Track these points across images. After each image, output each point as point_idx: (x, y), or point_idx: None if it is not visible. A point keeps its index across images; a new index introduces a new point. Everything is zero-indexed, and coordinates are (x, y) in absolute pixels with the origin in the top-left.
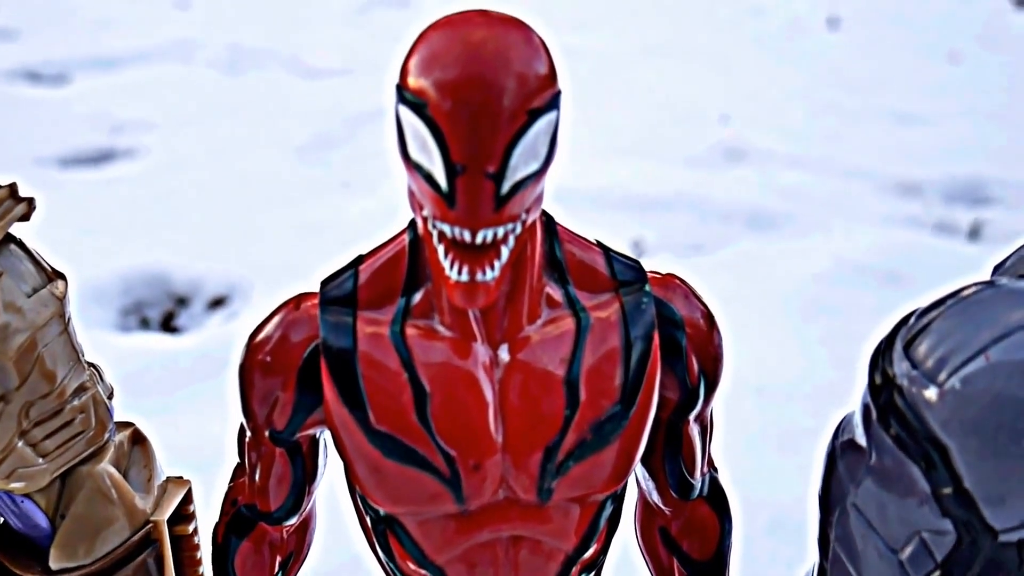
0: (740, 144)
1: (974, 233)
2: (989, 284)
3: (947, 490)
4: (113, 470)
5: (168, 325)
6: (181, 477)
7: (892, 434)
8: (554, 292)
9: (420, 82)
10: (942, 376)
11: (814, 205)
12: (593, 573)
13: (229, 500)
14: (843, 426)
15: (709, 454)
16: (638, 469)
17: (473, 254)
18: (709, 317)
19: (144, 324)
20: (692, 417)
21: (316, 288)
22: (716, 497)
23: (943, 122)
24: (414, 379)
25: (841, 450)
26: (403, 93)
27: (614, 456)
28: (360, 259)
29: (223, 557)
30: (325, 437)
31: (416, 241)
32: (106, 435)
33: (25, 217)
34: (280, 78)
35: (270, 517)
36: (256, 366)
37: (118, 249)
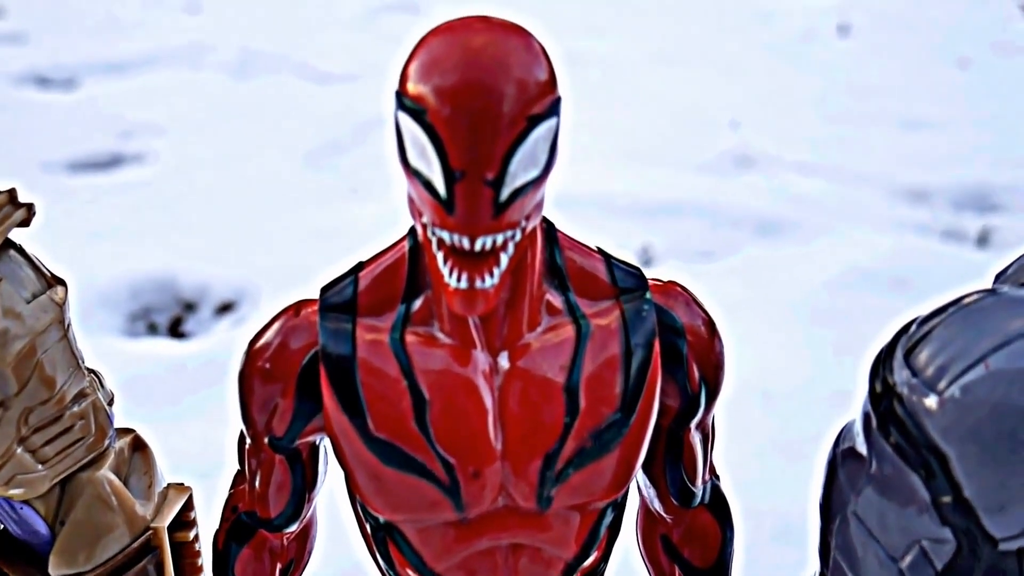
0: (749, 151)
1: (983, 240)
2: (990, 292)
3: (947, 499)
4: (113, 477)
5: (176, 330)
6: (182, 484)
7: (892, 442)
8: (554, 299)
9: (419, 88)
10: (942, 384)
11: (823, 212)
12: None
13: (229, 507)
14: (844, 434)
15: (710, 461)
16: (639, 476)
17: (472, 261)
18: (710, 324)
19: (152, 329)
20: (693, 425)
21: (319, 290)
22: (717, 504)
23: (952, 129)
24: (413, 386)
25: (842, 458)
26: (402, 99)
27: (614, 464)
28: (360, 266)
29: (223, 564)
30: (325, 444)
31: (416, 248)
32: (106, 441)
33: (25, 223)
34: (289, 83)
35: (270, 524)
36: (255, 373)
37: (126, 254)
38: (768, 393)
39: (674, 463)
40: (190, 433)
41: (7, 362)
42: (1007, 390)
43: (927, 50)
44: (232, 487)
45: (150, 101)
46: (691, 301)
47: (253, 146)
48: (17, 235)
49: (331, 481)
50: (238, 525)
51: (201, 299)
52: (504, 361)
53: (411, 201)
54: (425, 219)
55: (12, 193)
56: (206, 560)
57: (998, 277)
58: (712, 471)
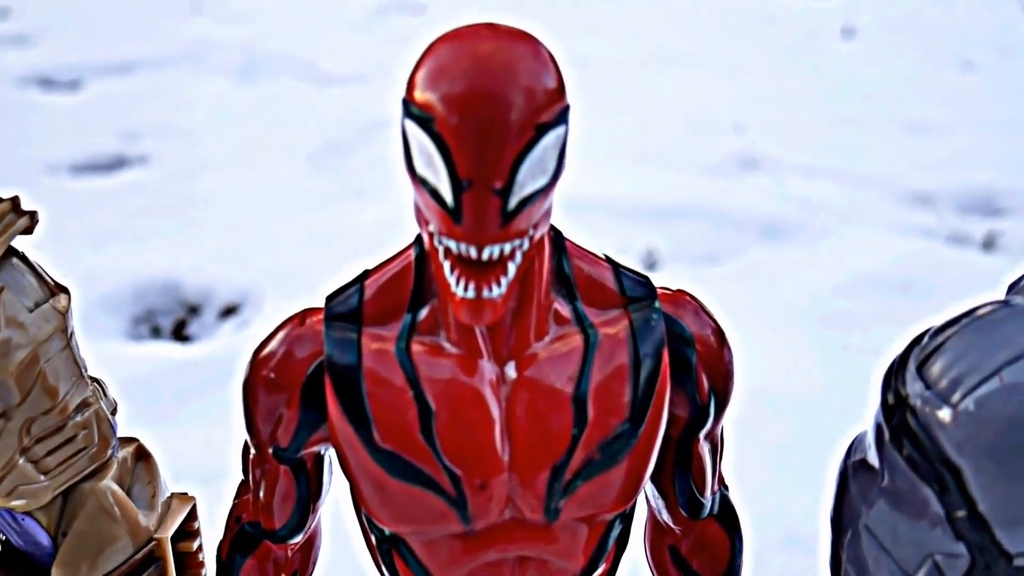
0: (754, 153)
1: (988, 244)
2: (1004, 304)
3: (961, 513)
4: (116, 487)
5: (179, 334)
6: (185, 493)
7: (905, 455)
8: (562, 308)
9: (427, 96)
10: (956, 397)
11: (828, 215)
12: None
13: (233, 517)
14: (855, 445)
15: (719, 472)
16: (647, 487)
17: (479, 270)
18: (719, 333)
19: (155, 333)
20: (702, 435)
21: (324, 299)
22: (726, 515)
23: (957, 132)
24: (419, 396)
25: (853, 470)
26: (409, 107)
27: (623, 475)
28: (366, 274)
29: (227, 575)
30: (330, 454)
31: (422, 256)
32: (109, 451)
33: (28, 231)
34: (293, 85)
35: (274, 535)
36: (260, 382)
37: (129, 256)
38: (774, 398)
39: (683, 474)
40: (193, 437)
41: (9, 372)
42: (1022, 403)
43: (931, 53)
44: (236, 497)
45: (154, 103)
46: (700, 310)
47: (257, 148)
48: (20, 240)
49: (336, 492)
50: (242, 536)
51: (205, 302)
52: (511, 371)
53: (418, 209)
54: (432, 228)
55: (15, 201)
56: (210, 571)
57: (1011, 288)
58: (721, 481)
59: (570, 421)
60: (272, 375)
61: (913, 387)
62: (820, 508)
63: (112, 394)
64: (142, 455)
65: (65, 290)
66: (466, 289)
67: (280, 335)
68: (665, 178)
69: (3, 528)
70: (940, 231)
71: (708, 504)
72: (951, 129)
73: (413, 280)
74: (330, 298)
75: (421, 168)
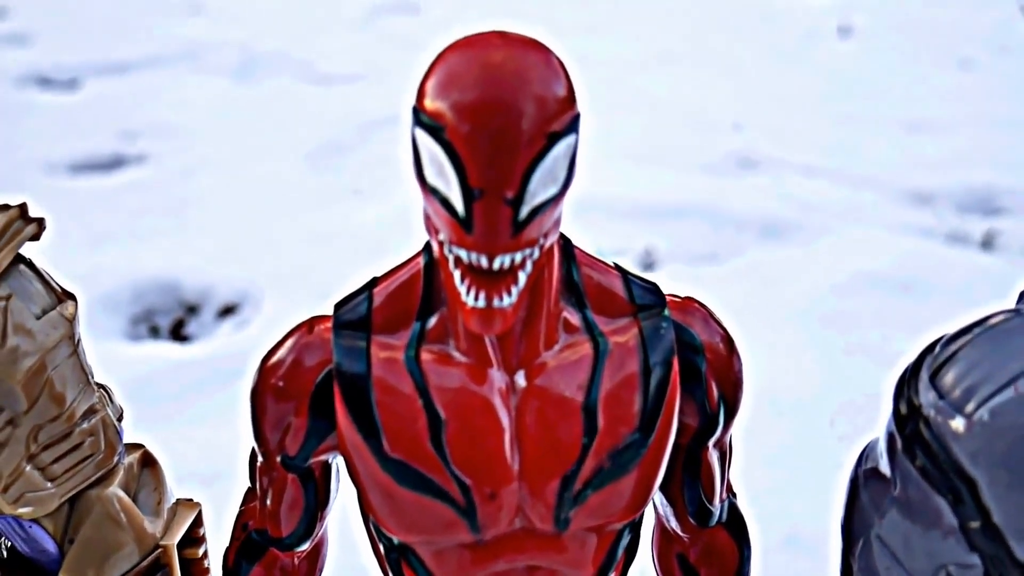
0: (753, 153)
1: (987, 243)
2: (1016, 313)
3: (975, 524)
4: (122, 494)
5: (178, 333)
6: (191, 500)
7: (918, 465)
8: (571, 317)
9: (437, 104)
10: (970, 407)
11: (826, 214)
12: None
13: (240, 524)
14: (867, 454)
15: (728, 479)
16: (656, 495)
17: (490, 280)
18: (729, 341)
19: (154, 332)
20: (711, 443)
21: (327, 298)
22: (735, 523)
23: (955, 131)
24: (429, 405)
25: (865, 479)
26: (420, 116)
27: (632, 484)
28: (374, 282)
29: None
30: (338, 462)
31: (431, 264)
32: (115, 458)
33: (35, 237)
34: (291, 84)
35: (281, 543)
36: (269, 391)
37: (128, 256)
38: (775, 398)
39: (692, 482)
40: (192, 437)
41: (17, 379)
42: None
43: (929, 51)
44: (243, 504)
45: (152, 102)
46: (709, 317)
47: (255, 147)
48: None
49: (343, 499)
50: (249, 543)
51: (203, 302)
52: (521, 380)
53: (427, 218)
54: (442, 236)
55: (23, 208)
56: None
57: (1022, 296)
58: (729, 489)
59: (580, 430)
60: (281, 383)
61: (926, 396)
62: (821, 508)
63: (118, 400)
64: (148, 461)
65: (72, 296)
66: (476, 298)
67: (288, 343)
68: (664, 177)
69: (9, 535)
70: (939, 230)
71: (717, 512)
72: (950, 128)
73: (422, 288)
74: (338, 306)
75: (431, 177)
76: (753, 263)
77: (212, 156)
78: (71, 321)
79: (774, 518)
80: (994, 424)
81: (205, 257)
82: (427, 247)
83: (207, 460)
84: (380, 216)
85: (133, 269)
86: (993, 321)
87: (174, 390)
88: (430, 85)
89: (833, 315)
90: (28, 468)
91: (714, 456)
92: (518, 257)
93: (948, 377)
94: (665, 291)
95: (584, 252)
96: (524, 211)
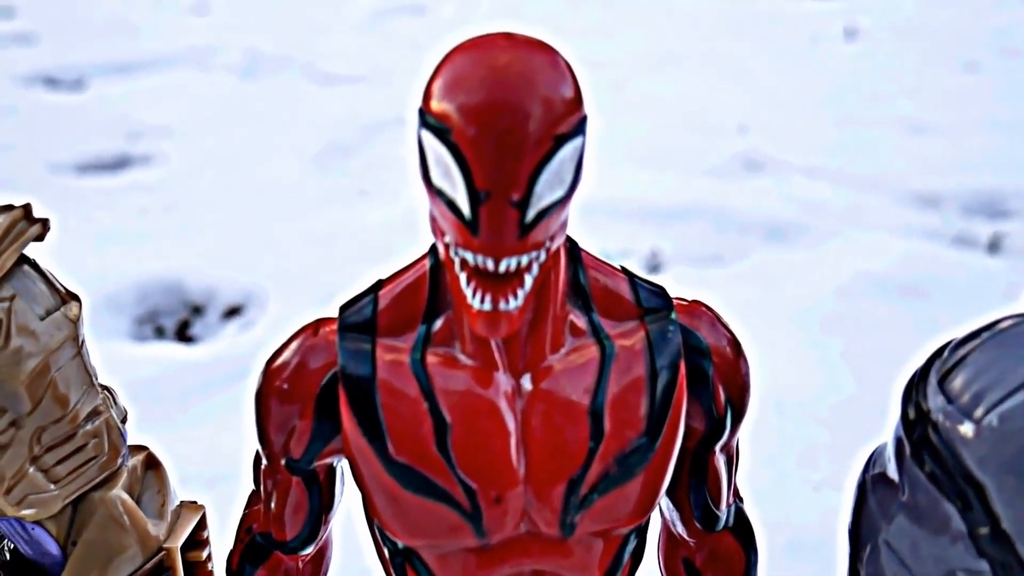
0: (758, 155)
1: (994, 246)
2: None
3: (984, 530)
4: (126, 496)
5: (183, 334)
6: (195, 502)
7: (927, 471)
8: (578, 320)
9: (443, 106)
10: (979, 412)
11: (832, 216)
12: None
13: (244, 527)
14: (874, 458)
15: (735, 484)
16: (662, 500)
17: (496, 283)
18: (736, 345)
19: (159, 333)
20: (718, 447)
21: (332, 299)
22: (741, 528)
23: (961, 133)
24: (434, 409)
25: (872, 483)
26: (426, 117)
27: (639, 489)
28: (379, 284)
29: None
30: (342, 465)
31: (437, 267)
32: (119, 460)
33: (39, 238)
34: (297, 84)
35: (285, 546)
36: (273, 393)
37: (133, 256)
38: (779, 400)
39: (698, 486)
40: (196, 439)
41: (21, 380)
42: None
43: (934, 54)
44: (247, 507)
45: (158, 102)
46: (716, 321)
47: (261, 148)
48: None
49: (347, 502)
50: (253, 546)
51: (208, 302)
52: (527, 383)
53: (433, 220)
54: (448, 239)
55: (27, 208)
56: None
57: None
58: (736, 493)
59: (587, 434)
60: (285, 386)
61: (935, 401)
62: (826, 511)
63: (122, 402)
64: (152, 464)
65: (76, 297)
66: (483, 301)
67: (293, 345)
68: (669, 180)
69: (12, 537)
70: (945, 233)
71: (723, 517)
72: (955, 130)
73: (428, 291)
74: (344, 308)
75: (438, 179)
76: (758, 265)
77: (218, 157)
78: (75, 322)
79: (777, 522)
80: (1003, 429)
81: (210, 258)
82: (433, 249)
83: (210, 462)
84: (385, 217)
85: (138, 269)
86: (1002, 326)
87: (178, 391)
88: (436, 87)
89: (838, 317)
90: (31, 470)
91: (721, 460)
92: (524, 260)
93: (957, 382)
94: (672, 294)
95: (590, 255)
96: (531, 214)
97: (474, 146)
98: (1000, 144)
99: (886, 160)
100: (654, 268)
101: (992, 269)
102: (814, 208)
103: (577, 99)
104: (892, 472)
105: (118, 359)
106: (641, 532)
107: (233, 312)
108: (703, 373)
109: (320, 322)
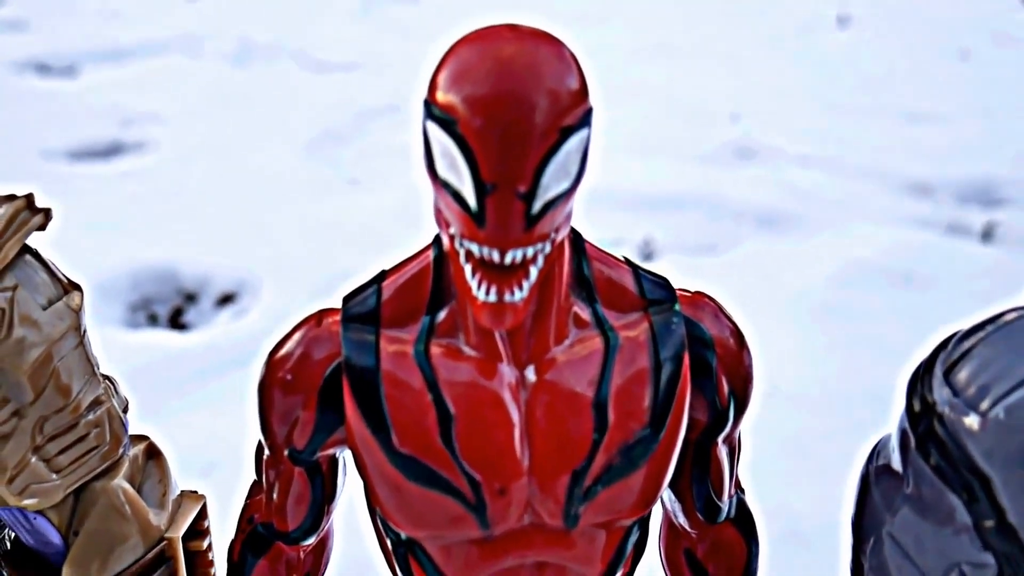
0: (751, 143)
1: (987, 234)
2: None
3: (989, 523)
4: (127, 486)
5: (176, 322)
6: (196, 492)
7: (932, 463)
8: (582, 311)
9: (449, 98)
10: (985, 404)
11: (825, 205)
12: None
13: (246, 517)
14: (878, 450)
15: (736, 475)
16: (664, 491)
17: (501, 274)
18: (739, 336)
19: (152, 320)
20: (721, 439)
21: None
22: (743, 519)
23: (954, 121)
24: (438, 400)
25: (876, 475)
26: (431, 109)
27: (642, 480)
28: (383, 275)
29: (239, 575)
30: (345, 456)
31: (441, 258)
32: (121, 450)
33: (42, 228)
34: (289, 72)
35: (287, 537)
36: (276, 384)
37: (126, 244)
38: (773, 389)
39: (701, 478)
40: (190, 426)
41: (23, 370)
42: None
43: (927, 41)
44: (248, 497)
45: (150, 89)
46: (719, 312)
47: (253, 135)
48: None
49: (349, 492)
50: (254, 537)
51: (202, 290)
52: (531, 375)
53: (438, 211)
54: (453, 230)
55: (29, 198)
56: (220, 570)
57: None
58: (738, 485)
59: (590, 425)
60: (289, 377)
61: (940, 394)
62: (820, 502)
63: (122, 391)
64: (153, 453)
65: (78, 287)
66: (488, 293)
67: (296, 336)
68: (662, 168)
69: (14, 527)
70: (938, 221)
71: (725, 508)
72: (949, 118)
73: (432, 282)
74: (347, 299)
75: (443, 171)
76: (751, 253)
77: (210, 144)
78: (77, 312)
79: (773, 510)
80: (1009, 422)
81: (203, 245)
82: (437, 240)
83: (206, 450)
84: (378, 205)
85: (131, 257)
86: (1008, 318)
87: (172, 379)
88: (442, 78)
89: (831, 306)
90: (33, 459)
91: (723, 452)
92: (530, 252)
93: (962, 374)
94: (675, 285)
95: (594, 246)
96: (537, 205)
97: (480, 138)
98: (994, 132)
99: (879, 148)
100: (647, 256)
101: (986, 257)
102: (807, 196)
103: (583, 91)
104: (896, 464)
105: (111, 346)
106: (644, 524)
107: (226, 299)
108: (707, 365)
109: (323, 313)
